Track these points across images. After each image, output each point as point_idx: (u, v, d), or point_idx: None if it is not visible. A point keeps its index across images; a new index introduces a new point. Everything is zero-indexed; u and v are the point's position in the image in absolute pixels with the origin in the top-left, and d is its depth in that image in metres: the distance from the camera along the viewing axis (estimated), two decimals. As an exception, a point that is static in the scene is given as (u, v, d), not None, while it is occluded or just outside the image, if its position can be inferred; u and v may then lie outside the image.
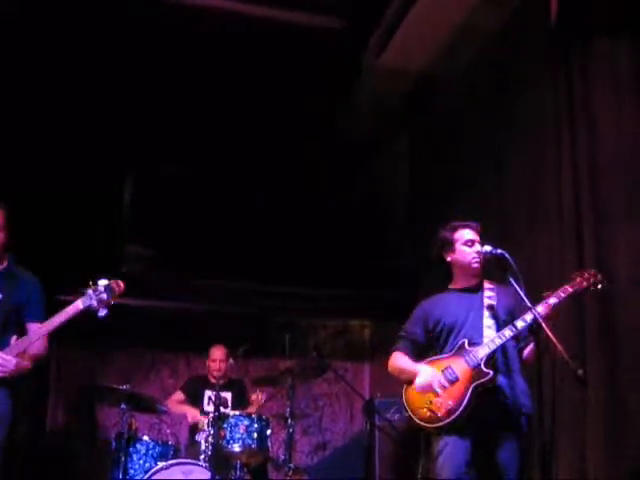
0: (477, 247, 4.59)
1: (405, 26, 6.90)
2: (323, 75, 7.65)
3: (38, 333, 4.63)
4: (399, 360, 4.69)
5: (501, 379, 4.37)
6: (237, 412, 6.26)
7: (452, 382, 4.35)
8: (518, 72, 6.62)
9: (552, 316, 4.25)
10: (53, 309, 4.68)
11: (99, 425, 8.57)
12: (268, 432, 6.18)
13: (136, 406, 6.10)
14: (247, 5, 6.96)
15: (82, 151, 7.69)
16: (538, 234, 6.15)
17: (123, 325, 7.76)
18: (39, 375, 7.35)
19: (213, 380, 7.17)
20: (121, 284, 4.66)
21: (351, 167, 8.66)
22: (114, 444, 6.01)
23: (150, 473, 5.75)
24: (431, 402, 4.35)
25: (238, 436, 6.01)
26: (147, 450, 5.91)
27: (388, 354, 4.79)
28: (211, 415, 6.13)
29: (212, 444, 5.96)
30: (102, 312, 4.60)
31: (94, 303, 4.57)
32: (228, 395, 6.83)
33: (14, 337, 4.65)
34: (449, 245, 4.68)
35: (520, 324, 4.28)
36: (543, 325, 4.04)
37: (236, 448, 5.99)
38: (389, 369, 4.76)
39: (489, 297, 4.59)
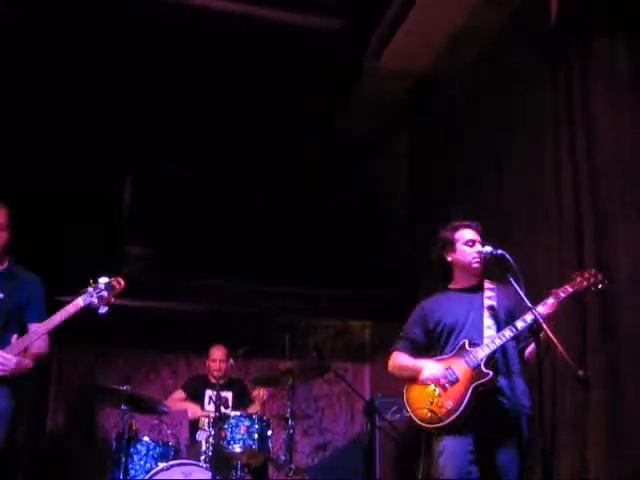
0: (478, 247, 4.58)
1: (405, 27, 6.88)
2: (323, 75, 7.64)
3: (39, 331, 4.62)
4: (399, 358, 4.69)
5: (501, 380, 4.36)
6: (238, 413, 6.25)
7: (452, 383, 4.34)
8: (518, 72, 6.62)
9: (553, 316, 4.24)
10: (53, 310, 4.67)
11: (99, 426, 8.59)
12: (269, 433, 6.17)
13: (136, 407, 6.09)
14: (247, 6, 6.94)
15: (82, 151, 7.69)
16: (538, 234, 6.15)
17: (123, 326, 7.79)
18: (40, 375, 7.38)
19: (213, 380, 7.17)
20: (121, 281, 4.68)
21: (351, 167, 8.65)
22: (114, 445, 6.01)
23: (151, 474, 5.75)
24: (431, 402, 4.34)
25: (239, 437, 6.00)
26: (147, 451, 5.91)
27: (388, 354, 4.79)
28: (212, 414, 6.13)
29: (213, 445, 5.96)
30: (103, 309, 4.61)
31: (95, 301, 4.59)
32: (229, 395, 6.83)
33: (15, 336, 4.65)
34: (450, 245, 4.68)
35: (520, 324, 4.27)
36: (544, 325, 4.04)
37: (237, 449, 5.99)
38: (389, 368, 4.75)
39: (489, 297, 4.58)
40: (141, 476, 5.81)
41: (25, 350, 4.66)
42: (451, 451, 4.32)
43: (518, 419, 4.35)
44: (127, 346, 8.92)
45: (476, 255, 4.57)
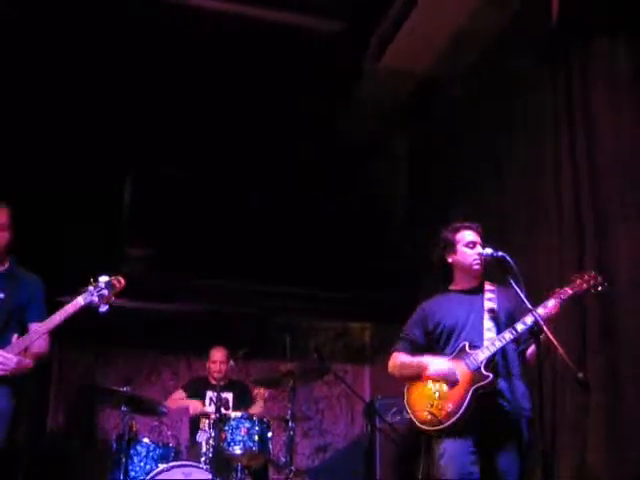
0: (478, 249, 4.57)
1: (407, 28, 6.89)
2: (323, 77, 7.65)
3: (39, 331, 4.63)
4: (400, 357, 4.68)
5: (501, 383, 4.35)
6: (238, 414, 6.24)
7: (452, 385, 4.33)
8: (518, 74, 6.63)
9: (553, 318, 4.23)
10: (53, 311, 4.67)
11: (100, 427, 8.59)
12: (269, 434, 6.15)
13: (137, 408, 6.07)
14: (248, 7, 6.94)
15: (82, 151, 7.69)
16: (538, 236, 6.16)
17: (124, 326, 7.78)
18: (40, 375, 7.37)
19: (214, 381, 7.16)
20: (122, 280, 4.69)
21: (351, 169, 8.65)
22: (115, 446, 5.98)
23: (151, 475, 5.72)
24: (431, 405, 4.34)
25: (239, 438, 5.98)
26: (148, 452, 5.89)
27: (388, 356, 4.78)
28: (212, 415, 6.12)
29: (213, 446, 5.94)
30: (103, 308, 4.62)
31: (95, 299, 4.60)
32: (229, 396, 6.83)
33: (15, 335, 4.65)
34: (450, 246, 4.66)
35: (520, 327, 4.26)
36: (544, 327, 4.03)
37: (237, 450, 5.97)
38: (389, 369, 4.74)
39: (489, 299, 4.57)
40: (141, 477, 5.78)
41: (26, 350, 4.67)
42: (452, 453, 4.30)
43: (518, 422, 4.33)
44: (127, 347, 8.93)
45: (477, 257, 4.56)
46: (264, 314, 8.90)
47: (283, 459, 6.13)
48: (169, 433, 7.05)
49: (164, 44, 7.07)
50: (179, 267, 7.95)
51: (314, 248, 8.17)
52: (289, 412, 6.12)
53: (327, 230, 8.31)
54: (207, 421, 6.15)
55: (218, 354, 7.33)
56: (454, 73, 7.49)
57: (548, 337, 3.99)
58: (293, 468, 6.00)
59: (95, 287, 4.61)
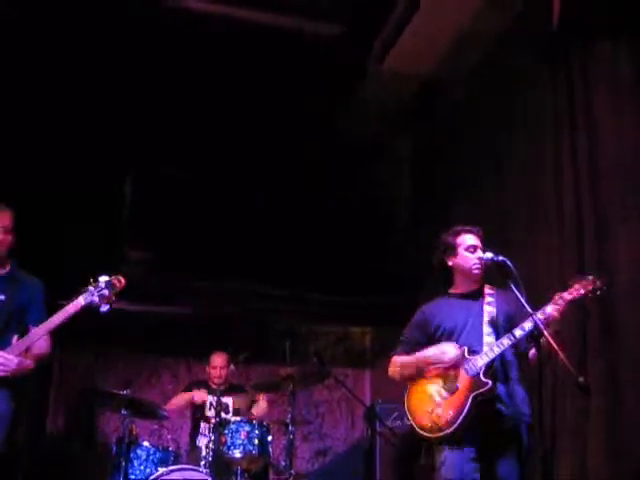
0: (479, 253, 4.57)
1: (410, 30, 6.90)
2: (326, 79, 7.66)
3: (39, 332, 4.62)
4: (400, 359, 4.69)
5: (500, 388, 4.35)
6: (238, 418, 6.23)
7: (452, 392, 4.33)
8: (518, 74, 6.66)
9: (553, 322, 4.20)
10: (53, 313, 4.66)
11: (99, 430, 8.57)
12: (269, 438, 6.16)
13: (137, 411, 6.07)
14: (254, 12, 6.94)
15: (82, 151, 7.68)
16: (538, 234, 6.18)
17: (124, 329, 7.77)
18: (41, 377, 7.36)
19: (214, 386, 7.13)
20: (122, 280, 4.70)
21: (354, 170, 8.64)
22: (115, 449, 5.98)
23: (151, 478, 5.72)
24: (431, 412, 4.34)
25: (239, 442, 5.99)
26: (147, 456, 5.88)
27: (389, 360, 4.78)
28: (212, 420, 6.10)
29: (213, 450, 5.93)
30: (104, 308, 4.63)
31: (95, 299, 4.60)
32: (229, 400, 6.80)
33: (15, 337, 4.66)
34: (451, 249, 4.67)
35: (519, 333, 4.26)
36: (544, 332, 4.01)
37: (237, 454, 5.97)
38: (389, 373, 4.75)
39: (489, 303, 4.57)
40: (141, 481, 5.79)
41: (26, 351, 4.67)
42: (452, 462, 4.30)
43: (517, 427, 4.33)
44: (128, 350, 8.92)
45: (477, 261, 4.56)
46: (264, 317, 8.87)
47: (283, 463, 6.12)
48: (169, 437, 7.06)
49: (165, 44, 7.07)
50: (179, 269, 7.94)
51: (316, 250, 8.16)
52: (289, 416, 6.12)
53: (329, 232, 8.30)
54: (207, 425, 6.14)
55: (218, 359, 7.31)
56: (457, 74, 7.50)
57: (548, 341, 3.98)
58: (293, 472, 6.01)
59: (95, 287, 4.61)
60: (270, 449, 6.17)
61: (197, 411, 7.11)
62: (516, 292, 4.17)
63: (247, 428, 6.03)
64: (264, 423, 6.20)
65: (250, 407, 7.10)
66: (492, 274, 4.60)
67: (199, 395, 7.10)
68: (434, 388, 4.41)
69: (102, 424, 8.59)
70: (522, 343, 4.34)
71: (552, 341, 3.95)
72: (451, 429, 4.24)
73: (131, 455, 5.83)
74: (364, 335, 10.03)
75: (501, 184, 6.78)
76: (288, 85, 7.62)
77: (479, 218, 4.82)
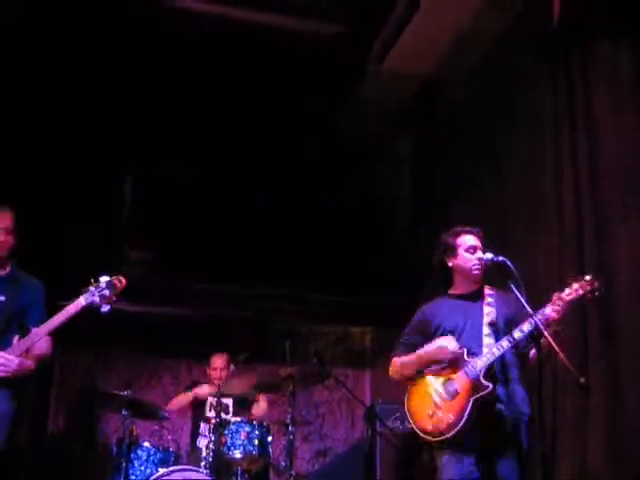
0: (479, 254, 4.58)
1: (410, 30, 6.91)
2: (326, 79, 7.65)
3: (40, 332, 4.62)
4: (400, 359, 4.70)
5: (499, 388, 4.36)
6: (238, 418, 6.22)
7: (453, 396, 4.34)
8: (518, 74, 6.66)
9: (552, 324, 4.21)
10: (53, 314, 4.66)
11: (100, 430, 8.57)
12: (269, 438, 6.14)
13: (137, 412, 6.05)
14: (254, 12, 6.94)
15: (82, 151, 7.68)
16: (538, 234, 6.18)
17: (125, 330, 7.76)
18: (41, 378, 7.36)
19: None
20: (123, 280, 4.70)
21: (354, 170, 8.64)
22: (115, 450, 5.97)
23: (151, 479, 5.69)
24: (432, 415, 4.35)
25: (239, 442, 5.96)
26: (148, 456, 5.86)
27: (389, 360, 4.80)
28: (213, 420, 6.09)
29: (213, 450, 5.92)
30: (105, 308, 4.63)
31: (96, 299, 4.60)
32: (229, 401, 6.79)
33: (16, 337, 4.66)
34: (451, 250, 4.68)
35: (518, 334, 4.27)
36: (544, 332, 4.02)
37: (237, 454, 5.94)
38: (390, 373, 4.77)
39: (489, 304, 4.58)
40: (141, 482, 5.78)
41: (27, 351, 4.66)
42: (453, 468, 4.31)
43: (517, 426, 4.33)
44: (128, 350, 8.91)
45: (477, 262, 4.57)
46: (264, 317, 8.87)
47: (283, 463, 6.10)
48: (169, 437, 7.04)
49: (166, 44, 7.07)
50: (179, 269, 7.93)
51: (316, 250, 8.16)
52: (289, 416, 6.09)
53: (329, 232, 8.30)
54: (207, 425, 6.13)
55: (219, 361, 7.30)
56: (456, 74, 7.50)
57: (548, 341, 3.98)
58: (293, 472, 5.98)
59: (96, 287, 4.62)
60: (270, 449, 6.15)
61: (198, 411, 7.10)
62: (516, 292, 4.17)
63: (247, 429, 6.01)
64: (264, 424, 6.17)
65: (249, 402, 7.11)
66: (492, 274, 4.60)
67: (201, 389, 7.08)
68: (434, 390, 4.42)
69: (103, 425, 8.58)
70: (522, 343, 4.33)
71: (552, 341, 3.96)
72: (452, 433, 4.25)
73: (132, 456, 5.81)
74: (364, 335, 10.03)
75: (501, 184, 6.79)
76: (288, 85, 7.62)
77: (479, 218, 4.83)
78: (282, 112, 7.90)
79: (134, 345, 8.76)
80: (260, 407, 7.02)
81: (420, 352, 4.55)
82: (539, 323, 4.06)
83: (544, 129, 6.19)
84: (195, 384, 7.45)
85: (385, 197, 8.87)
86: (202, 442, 6.11)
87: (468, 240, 4.65)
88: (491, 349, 4.34)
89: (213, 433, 5.98)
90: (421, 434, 4.38)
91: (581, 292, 4.30)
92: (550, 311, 4.21)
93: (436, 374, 4.48)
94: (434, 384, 4.45)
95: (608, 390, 5.16)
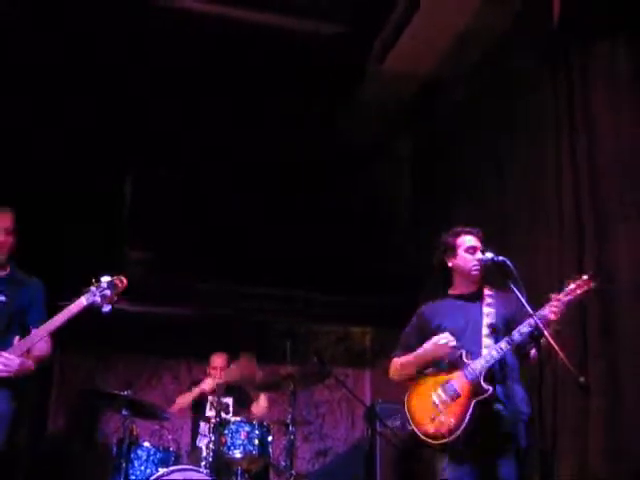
0: (478, 254, 4.57)
1: (410, 31, 6.90)
2: (326, 79, 7.64)
3: (41, 333, 4.62)
4: (399, 360, 4.71)
5: (498, 388, 4.35)
6: (238, 418, 6.22)
7: (453, 398, 4.34)
8: (519, 75, 6.66)
9: (552, 323, 4.20)
10: (53, 315, 4.67)
11: (100, 430, 8.56)
12: (269, 438, 6.14)
13: (137, 412, 6.06)
14: (254, 12, 6.94)
15: (82, 151, 7.68)
16: (539, 237, 6.18)
17: (125, 330, 7.76)
18: (42, 378, 7.36)
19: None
20: (124, 280, 4.71)
21: (355, 170, 8.64)
22: (115, 450, 5.97)
23: (151, 479, 5.69)
24: (433, 419, 4.34)
25: (239, 442, 5.96)
26: (148, 456, 5.87)
27: (389, 360, 4.80)
28: (213, 420, 6.10)
29: (213, 450, 5.92)
30: (106, 308, 4.64)
31: (98, 299, 4.61)
32: (229, 400, 6.80)
33: (17, 338, 4.65)
34: (451, 250, 4.68)
35: (517, 336, 4.26)
36: (544, 332, 4.02)
37: (237, 454, 5.94)
38: (390, 375, 4.78)
39: (488, 305, 4.58)
40: (141, 481, 5.79)
41: (28, 352, 4.67)
42: (453, 469, 4.32)
43: (516, 426, 4.32)
44: (129, 351, 8.91)
45: (476, 263, 4.57)
46: (264, 317, 8.86)
47: (283, 463, 6.10)
48: (169, 437, 7.04)
49: (166, 45, 7.08)
50: (179, 269, 7.93)
51: (317, 250, 8.16)
52: (289, 416, 6.10)
53: (330, 232, 8.29)
54: (207, 425, 6.13)
55: (219, 360, 7.30)
56: (457, 74, 7.49)
57: (548, 341, 3.98)
58: (293, 472, 5.99)
59: (97, 287, 4.63)
60: (270, 449, 6.14)
61: (198, 410, 7.10)
62: (516, 292, 4.17)
63: (247, 428, 6.01)
64: (264, 423, 6.17)
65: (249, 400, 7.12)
66: (492, 274, 4.60)
67: (206, 384, 7.07)
68: (434, 392, 4.40)
69: (103, 425, 8.58)
70: (522, 344, 4.31)
71: (552, 341, 3.95)
72: (453, 437, 4.25)
73: (132, 456, 5.81)
74: (364, 335, 10.02)
75: (502, 187, 6.79)
76: (288, 85, 7.62)
77: (480, 220, 4.82)
78: (282, 112, 7.89)
79: (134, 345, 8.76)
80: (260, 406, 7.01)
81: (419, 351, 4.55)
82: (539, 323, 4.06)
83: (545, 133, 6.19)
84: (196, 383, 7.47)
85: (385, 197, 8.87)
86: (202, 441, 6.12)
87: (468, 240, 4.65)
88: (490, 351, 4.33)
89: (213, 433, 5.97)
90: (422, 437, 4.37)
91: (578, 292, 4.30)
92: (548, 312, 4.21)
93: (436, 375, 4.48)
94: (434, 385, 4.44)
95: (608, 391, 5.15)
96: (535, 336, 4.08)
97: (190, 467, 5.91)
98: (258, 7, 6.93)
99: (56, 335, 4.69)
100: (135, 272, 7.57)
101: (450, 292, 4.75)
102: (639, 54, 5.50)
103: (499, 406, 4.31)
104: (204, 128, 7.92)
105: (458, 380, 4.35)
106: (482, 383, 4.28)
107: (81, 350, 8.48)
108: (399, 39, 7.03)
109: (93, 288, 4.61)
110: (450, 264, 4.69)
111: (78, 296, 4.59)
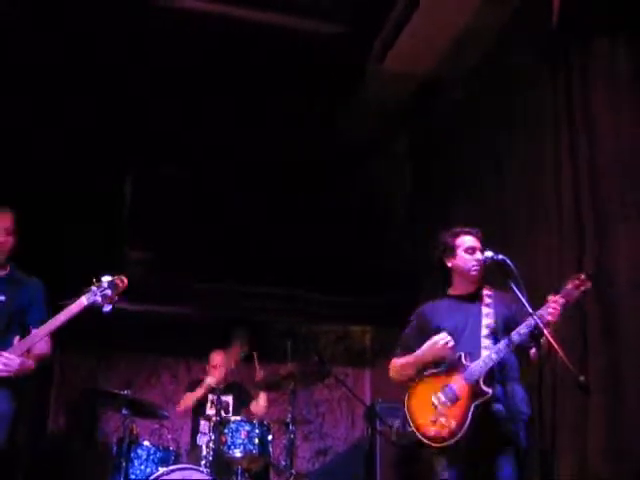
0: (478, 255, 4.57)
1: (409, 30, 6.88)
2: (325, 77, 7.63)
3: (41, 332, 4.62)
4: (399, 360, 4.72)
5: (498, 388, 4.35)
6: (238, 417, 6.23)
7: (453, 401, 4.33)
8: (518, 72, 6.64)
9: (552, 323, 4.20)
10: (53, 314, 4.67)
11: (100, 429, 8.56)
12: (269, 437, 6.15)
13: (137, 411, 6.08)
14: (255, 12, 6.94)
15: (82, 151, 7.68)
16: (538, 234, 6.16)
17: (124, 330, 7.76)
18: (42, 377, 7.36)
19: (214, 385, 7.12)
20: (124, 280, 4.71)
21: (352, 167, 8.65)
22: (115, 449, 6.00)
23: (151, 478, 5.72)
24: (434, 422, 4.34)
25: (239, 441, 5.98)
26: (148, 455, 5.89)
27: (389, 360, 4.80)
28: (213, 418, 6.10)
29: (213, 449, 5.93)
30: (107, 308, 4.64)
31: (98, 299, 4.61)
32: (229, 399, 6.81)
33: (17, 337, 4.65)
34: (450, 251, 4.68)
35: (516, 337, 4.26)
36: (544, 332, 4.02)
37: (237, 453, 5.96)
38: (390, 375, 4.78)
39: (488, 305, 4.58)
40: (141, 480, 5.79)
41: (28, 351, 4.67)
42: (451, 473, 4.34)
43: (516, 426, 4.33)
44: (128, 350, 8.91)
45: (475, 263, 4.57)
46: (264, 317, 8.86)
47: (283, 462, 6.12)
48: (169, 436, 7.05)
49: (167, 45, 7.06)
50: (179, 269, 7.93)
51: (315, 250, 8.15)
52: (289, 415, 6.13)
53: (329, 231, 8.29)
54: (207, 423, 6.14)
55: (218, 358, 7.31)
56: (456, 73, 7.48)
57: (548, 341, 3.99)
58: (293, 471, 6.01)
59: (98, 287, 4.63)
60: (270, 448, 6.17)
61: (198, 409, 7.10)
62: (516, 291, 4.18)
63: (247, 427, 6.03)
64: (264, 422, 6.19)
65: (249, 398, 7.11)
66: (492, 274, 4.60)
67: (211, 379, 7.07)
68: (434, 395, 4.39)
69: (103, 424, 8.58)
70: (522, 344, 4.32)
71: (552, 340, 3.96)
72: (454, 440, 4.25)
73: (132, 455, 5.83)
74: (364, 334, 10.02)
75: (501, 184, 6.77)
76: (288, 85, 7.62)
77: (479, 218, 4.83)
78: (282, 112, 7.90)
79: (134, 344, 8.76)
80: (259, 404, 7.02)
81: (418, 352, 4.55)
82: (539, 322, 4.07)
83: (544, 129, 6.17)
84: (195, 383, 7.47)
85: (382, 194, 8.87)
86: (202, 440, 6.13)
87: (467, 241, 4.65)
88: (490, 353, 4.33)
89: (213, 432, 6.00)
90: (422, 439, 4.37)
91: (576, 293, 4.30)
92: (546, 314, 4.20)
93: (435, 376, 4.48)
94: (434, 387, 4.43)
95: (608, 390, 5.14)
96: (535, 335, 4.09)
97: (190, 466, 5.93)
98: (258, 7, 6.91)
99: (56, 335, 4.69)
100: (135, 272, 7.56)
101: (449, 292, 4.75)
102: (639, 54, 5.49)
103: (499, 406, 4.32)
104: (204, 128, 7.92)
105: (457, 383, 4.35)
106: (481, 386, 4.28)
107: (80, 349, 8.47)
108: (399, 37, 7.02)
109: (94, 288, 4.61)
110: (449, 264, 4.68)
111: (79, 296, 4.59)
